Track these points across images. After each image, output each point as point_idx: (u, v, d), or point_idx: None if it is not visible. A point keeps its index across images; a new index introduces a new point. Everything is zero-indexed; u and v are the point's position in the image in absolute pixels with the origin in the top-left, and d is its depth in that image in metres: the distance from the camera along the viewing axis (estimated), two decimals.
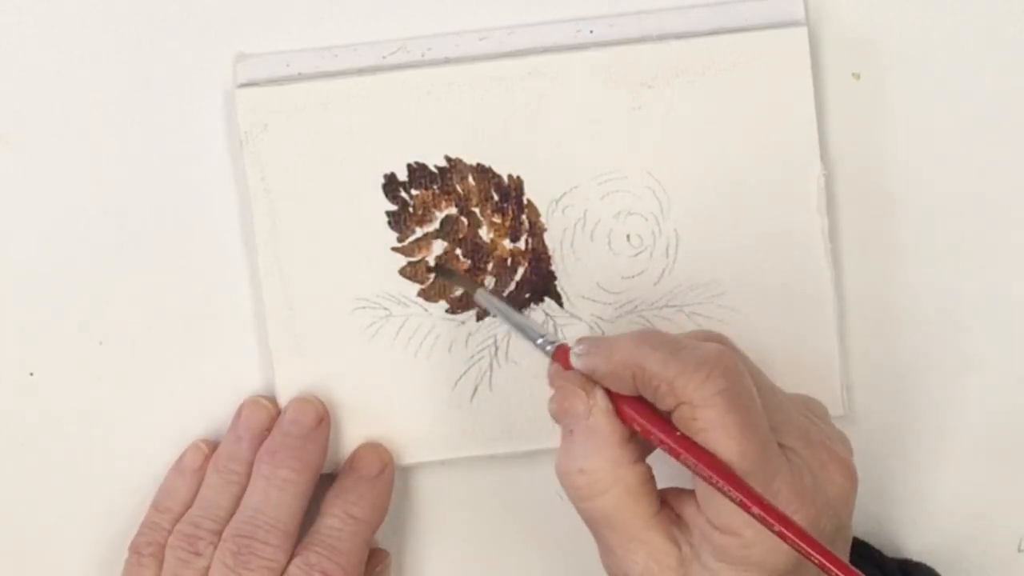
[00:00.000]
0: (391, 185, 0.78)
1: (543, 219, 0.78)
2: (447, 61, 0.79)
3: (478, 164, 0.78)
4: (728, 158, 0.78)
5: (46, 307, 0.80)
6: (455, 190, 0.78)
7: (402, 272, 0.79)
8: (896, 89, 0.79)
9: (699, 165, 0.78)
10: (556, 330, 0.79)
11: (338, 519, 0.77)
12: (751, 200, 0.78)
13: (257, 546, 0.75)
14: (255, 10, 0.79)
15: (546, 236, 0.79)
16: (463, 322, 0.79)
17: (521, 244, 0.79)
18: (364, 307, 0.79)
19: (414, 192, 0.78)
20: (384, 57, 0.79)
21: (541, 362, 0.79)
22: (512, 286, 0.79)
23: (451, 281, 0.78)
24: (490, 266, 0.79)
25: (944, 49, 0.79)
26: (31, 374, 0.80)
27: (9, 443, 0.80)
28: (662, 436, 0.68)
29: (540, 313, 0.79)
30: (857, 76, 0.79)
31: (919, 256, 0.80)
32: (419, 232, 0.79)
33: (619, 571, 0.70)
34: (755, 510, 0.65)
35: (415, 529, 0.81)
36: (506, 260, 0.79)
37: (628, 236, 0.78)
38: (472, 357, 0.79)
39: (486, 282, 0.79)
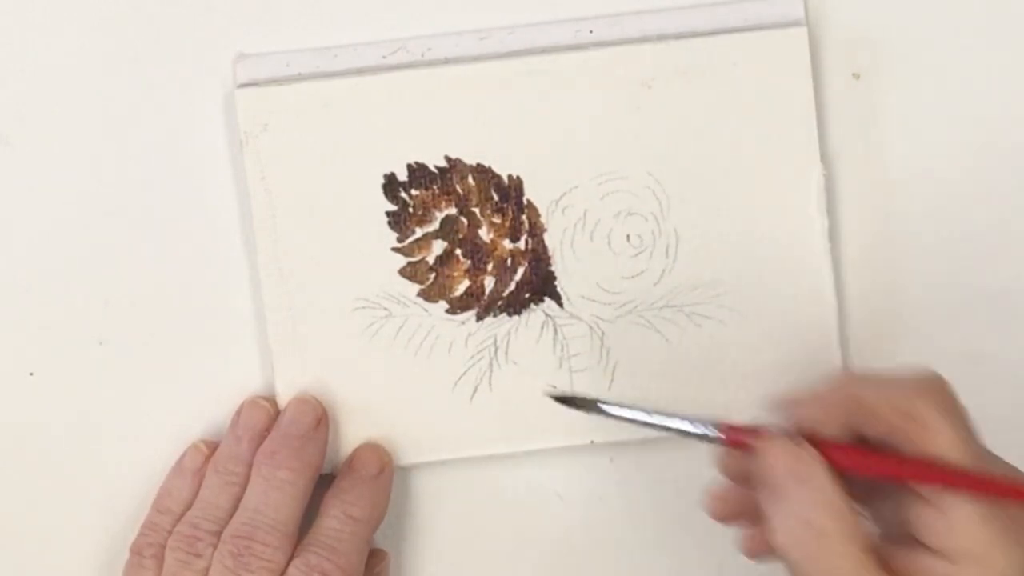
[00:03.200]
0: (391, 185, 0.78)
1: (543, 219, 0.78)
2: (447, 61, 0.79)
3: (478, 164, 0.78)
4: (728, 158, 0.78)
5: (46, 307, 0.80)
6: (455, 190, 0.78)
7: (402, 272, 0.79)
8: (896, 89, 0.79)
9: (699, 165, 0.78)
10: (557, 330, 0.79)
11: (337, 519, 0.77)
12: (751, 200, 0.78)
13: (256, 547, 0.75)
14: (255, 10, 0.79)
15: (546, 236, 0.79)
16: (463, 322, 0.79)
17: (521, 244, 0.79)
18: (364, 307, 0.79)
19: (414, 192, 0.78)
20: (384, 57, 0.79)
21: (541, 362, 0.79)
22: (512, 286, 0.79)
23: (571, 407, 0.74)
24: (490, 266, 0.79)
25: (944, 49, 0.79)
26: (31, 374, 0.80)
27: (9, 443, 0.80)
28: (894, 465, 0.67)
29: (540, 313, 0.79)
30: (857, 76, 0.79)
31: (919, 256, 0.80)
32: (419, 232, 0.79)
33: None
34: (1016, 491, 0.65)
35: (415, 529, 0.81)
36: (506, 260, 0.79)
37: (628, 236, 0.78)
38: (472, 357, 0.79)
39: (486, 282, 0.79)
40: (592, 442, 0.79)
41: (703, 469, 0.77)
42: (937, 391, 0.68)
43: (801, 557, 0.67)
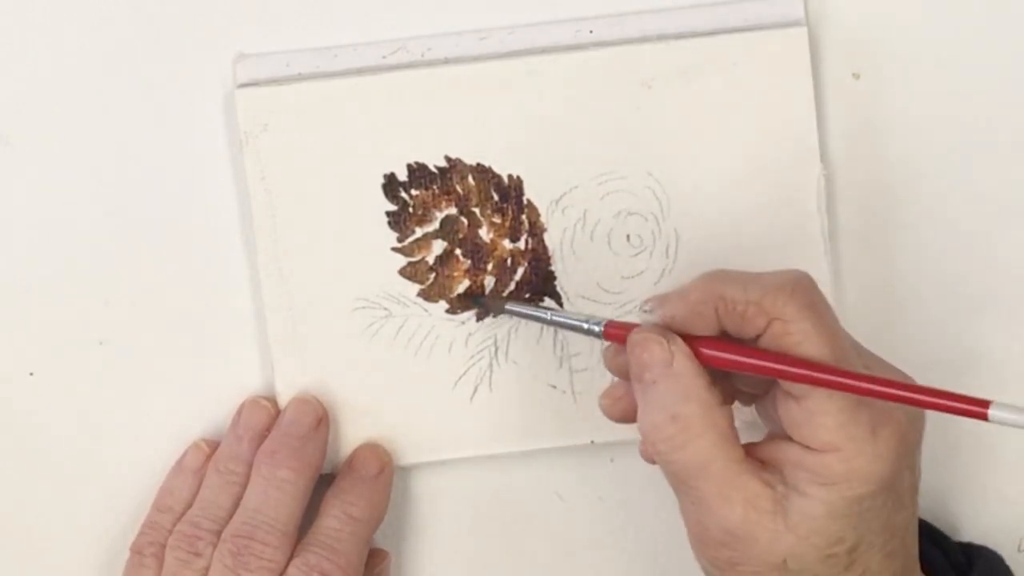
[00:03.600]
0: (391, 185, 0.78)
1: (543, 219, 0.78)
2: (447, 61, 0.79)
3: (478, 164, 0.78)
4: (728, 158, 0.78)
5: (46, 307, 0.80)
6: (455, 190, 0.78)
7: (402, 272, 0.79)
8: (896, 89, 0.79)
9: (699, 165, 0.78)
10: (557, 330, 0.79)
11: (337, 519, 0.77)
12: (751, 200, 0.78)
13: (256, 546, 0.75)
14: (255, 10, 0.79)
15: (546, 236, 0.79)
16: (463, 322, 0.79)
17: (521, 244, 0.79)
18: (364, 307, 0.79)
19: (414, 192, 0.78)
20: (384, 57, 0.79)
21: (541, 362, 0.79)
22: (512, 286, 0.79)
23: (479, 307, 0.78)
24: (490, 266, 0.79)
25: (944, 49, 0.79)
26: (31, 374, 0.80)
27: (9, 443, 0.80)
28: (756, 359, 0.68)
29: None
30: (857, 76, 0.79)
31: (919, 256, 0.80)
32: (419, 232, 0.79)
33: (714, 524, 0.69)
34: (873, 388, 0.66)
35: (415, 529, 0.81)
36: (506, 260, 0.79)
37: (628, 236, 0.78)
38: (472, 357, 0.79)
39: (486, 282, 0.79)
40: (592, 442, 0.79)
41: None
42: (799, 288, 0.68)
43: (662, 444, 0.69)
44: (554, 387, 0.79)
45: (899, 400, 0.66)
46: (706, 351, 0.69)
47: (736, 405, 0.72)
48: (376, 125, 0.78)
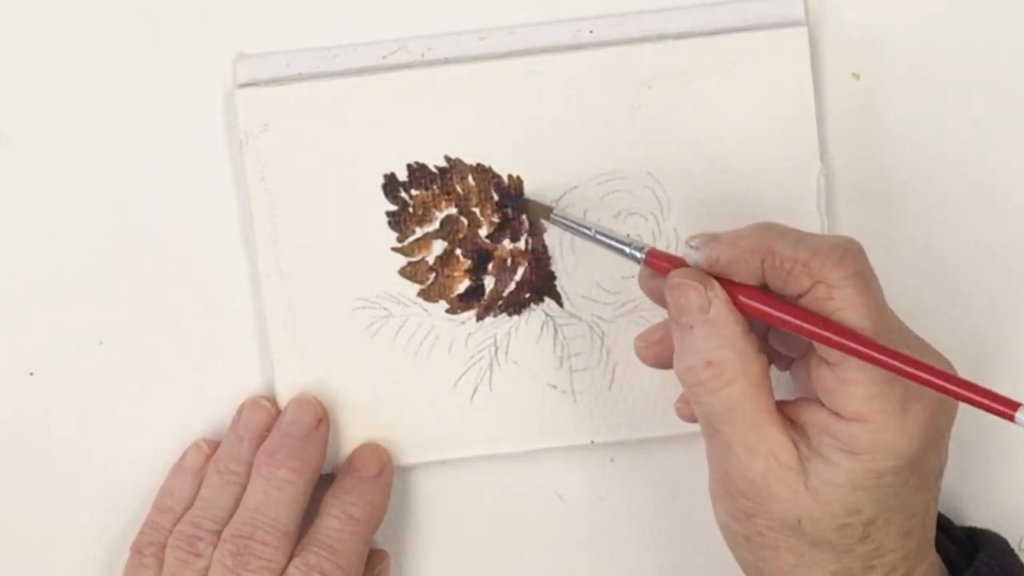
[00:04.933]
0: (391, 185, 0.78)
1: (543, 219, 0.78)
2: (447, 61, 0.79)
3: (478, 164, 0.78)
4: (728, 158, 0.78)
5: (46, 307, 0.80)
6: (455, 190, 0.78)
7: (402, 272, 0.79)
8: (896, 89, 0.79)
9: (699, 165, 0.78)
10: (557, 330, 0.79)
11: (337, 519, 0.77)
12: (751, 200, 0.78)
13: (256, 546, 0.75)
14: (255, 10, 0.79)
15: (546, 236, 0.79)
16: (463, 322, 0.79)
17: (521, 244, 0.79)
18: (364, 307, 0.79)
19: (414, 192, 0.78)
20: (384, 57, 0.79)
21: (541, 362, 0.79)
22: (512, 286, 0.79)
23: (518, 207, 0.78)
24: (490, 266, 0.79)
25: (944, 49, 0.79)
26: (31, 374, 0.80)
27: (9, 443, 0.80)
28: (795, 317, 0.68)
29: (540, 313, 0.79)
30: (857, 76, 0.79)
31: (919, 256, 0.80)
32: (419, 232, 0.79)
33: (736, 473, 0.70)
34: (905, 368, 0.66)
35: (415, 529, 0.81)
36: (506, 260, 0.79)
37: (628, 236, 0.78)
38: (472, 357, 0.79)
39: (486, 282, 0.79)
40: (592, 442, 0.79)
41: (703, 469, 0.77)
42: (848, 255, 0.68)
43: (696, 387, 0.70)
44: (554, 387, 0.79)
45: (927, 384, 0.66)
46: (745, 300, 0.69)
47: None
48: (376, 125, 0.78)
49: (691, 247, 0.71)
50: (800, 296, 0.69)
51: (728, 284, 0.70)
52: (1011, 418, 0.64)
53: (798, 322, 0.68)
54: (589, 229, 0.75)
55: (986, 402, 0.65)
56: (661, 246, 0.78)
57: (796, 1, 0.78)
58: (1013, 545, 0.80)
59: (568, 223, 0.76)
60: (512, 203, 0.78)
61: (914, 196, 0.79)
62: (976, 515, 0.81)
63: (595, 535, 0.81)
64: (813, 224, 0.78)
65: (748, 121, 0.78)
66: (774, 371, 0.73)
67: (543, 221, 0.78)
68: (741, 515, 0.71)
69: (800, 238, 0.69)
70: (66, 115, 0.79)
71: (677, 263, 0.72)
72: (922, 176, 0.79)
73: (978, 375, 0.79)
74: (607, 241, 0.74)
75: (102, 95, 0.79)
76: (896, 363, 0.66)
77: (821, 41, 0.79)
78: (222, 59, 0.79)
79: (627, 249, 0.73)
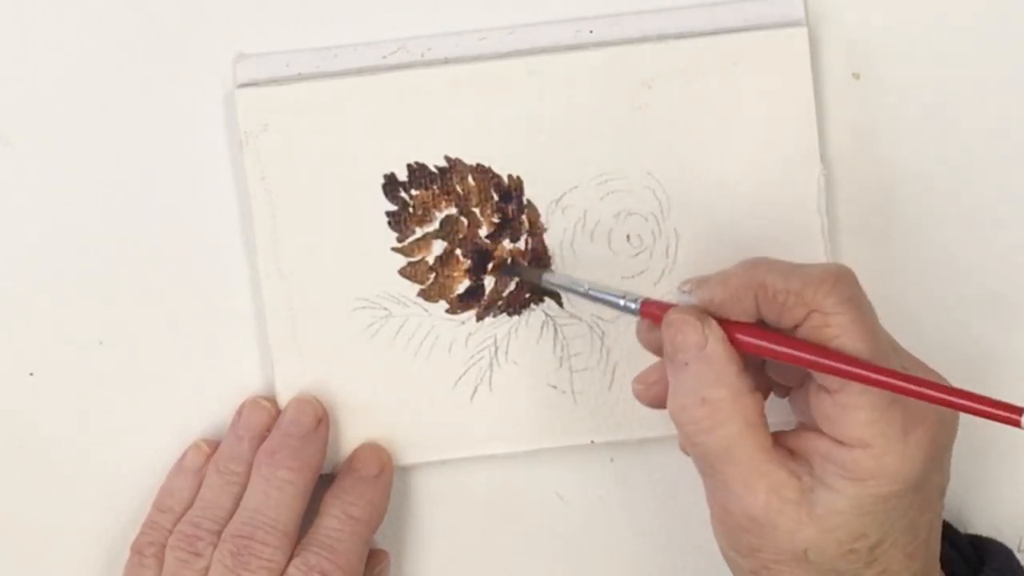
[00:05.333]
0: (391, 185, 0.78)
1: (543, 219, 0.78)
2: (447, 61, 0.79)
3: (478, 164, 0.78)
4: (728, 158, 0.78)
5: (46, 307, 0.80)
6: (455, 190, 0.78)
7: (402, 272, 0.79)
8: (896, 89, 0.79)
9: (699, 165, 0.78)
10: (557, 330, 0.79)
11: (337, 519, 0.77)
12: (751, 200, 0.78)
13: (256, 546, 0.75)
14: (255, 10, 0.79)
15: (546, 236, 0.79)
16: (463, 322, 0.79)
17: (521, 244, 0.79)
18: (364, 307, 0.79)
19: (414, 192, 0.78)
20: (384, 57, 0.79)
21: (541, 362, 0.79)
22: (512, 286, 0.79)
23: (515, 275, 0.78)
24: (490, 266, 0.79)
25: (944, 49, 0.79)
26: (31, 374, 0.80)
27: (9, 443, 0.80)
28: (791, 349, 0.68)
29: (540, 313, 0.79)
30: (857, 76, 0.79)
31: (919, 256, 0.80)
32: (419, 232, 0.79)
33: (737, 509, 0.69)
34: (908, 386, 0.66)
35: (415, 529, 0.81)
36: (506, 260, 0.79)
37: (628, 236, 0.78)
38: (472, 357, 0.79)
39: (486, 282, 0.79)
40: (592, 442, 0.79)
41: None
42: (840, 282, 0.68)
43: (690, 426, 0.69)
44: (554, 387, 0.79)
45: (931, 400, 0.66)
46: (742, 337, 0.69)
47: (770, 397, 0.72)
48: (376, 125, 0.78)
49: (683, 292, 0.71)
50: (796, 327, 0.69)
51: (724, 323, 0.70)
52: (1016, 423, 0.64)
53: (797, 353, 0.68)
54: (582, 287, 0.75)
55: (989, 410, 0.65)
56: (661, 246, 0.78)
57: (796, 1, 0.78)
58: (1013, 547, 0.80)
59: (559, 285, 0.77)
60: (506, 273, 0.78)
61: (914, 196, 0.79)
62: (979, 522, 0.81)
63: (595, 535, 0.81)
64: (813, 224, 0.78)
65: (748, 121, 0.78)
66: (772, 397, 0.73)
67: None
68: (745, 550, 0.70)
69: (790, 269, 0.69)
70: (66, 115, 0.79)
71: (669, 307, 0.71)
72: (922, 176, 0.79)
73: (979, 373, 0.80)
74: (600, 296, 0.75)
75: (102, 95, 0.79)
76: (898, 383, 0.66)
77: (821, 41, 0.79)
78: (222, 59, 0.79)
79: (621, 302, 0.73)
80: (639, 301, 0.73)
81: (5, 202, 0.80)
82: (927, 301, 0.80)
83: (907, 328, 0.79)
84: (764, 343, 0.69)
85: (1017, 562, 0.78)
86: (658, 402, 0.72)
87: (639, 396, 0.73)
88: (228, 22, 0.79)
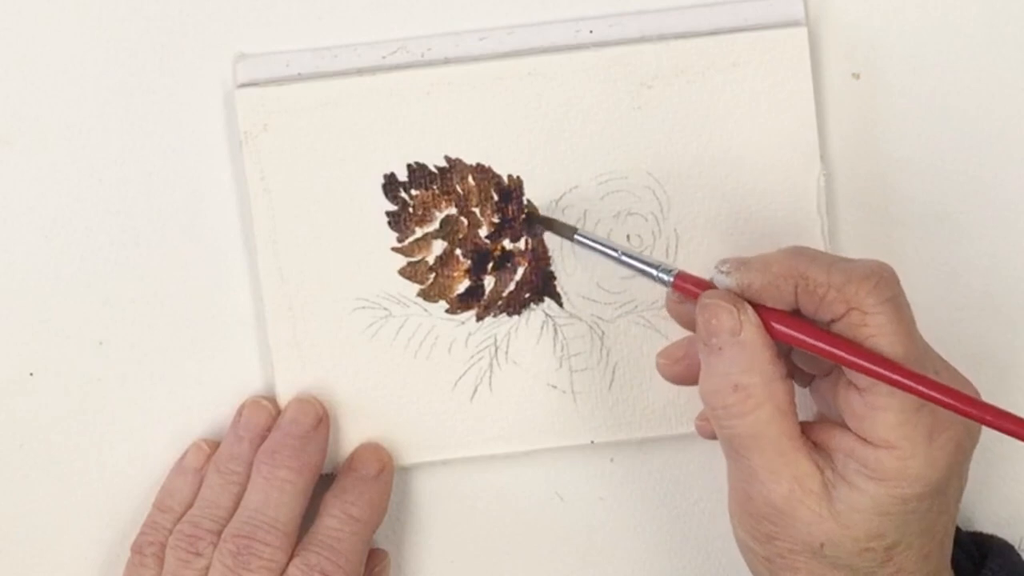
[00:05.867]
0: (391, 185, 0.78)
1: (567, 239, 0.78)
2: (447, 61, 0.79)
3: (478, 164, 0.78)
4: (728, 158, 0.78)
5: (46, 307, 0.80)
6: (455, 190, 0.78)
7: (402, 272, 0.79)
8: (896, 89, 0.79)
9: (699, 165, 0.78)
10: (557, 330, 0.79)
11: (337, 519, 0.77)
12: (751, 200, 0.78)
13: (256, 546, 0.75)
14: (255, 10, 0.79)
15: (546, 236, 0.79)
16: (463, 322, 0.79)
17: (521, 244, 0.79)
18: (364, 307, 0.79)
19: (414, 192, 0.78)
20: (384, 57, 0.79)
21: (541, 362, 0.79)
22: (512, 286, 0.79)
23: (544, 225, 0.78)
24: (490, 266, 0.79)
25: (944, 49, 0.79)
26: (31, 374, 0.80)
27: (9, 443, 0.80)
28: (825, 343, 0.68)
29: (540, 313, 0.79)
30: (857, 76, 0.79)
31: (919, 256, 0.80)
32: (419, 232, 0.79)
33: (759, 496, 0.69)
34: (937, 396, 0.66)
35: (415, 529, 0.81)
36: (506, 260, 0.79)
37: (628, 236, 0.78)
38: (472, 357, 0.79)
39: (486, 282, 0.79)
40: (592, 442, 0.79)
41: (703, 469, 0.77)
42: (883, 281, 0.68)
43: (721, 410, 0.69)
44: (554, 387, 0.79)
45: (960, 412, 0.66)
46: (778, 326, 0.69)
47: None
48: (376, 125, 0.78)
49: (722, 272, 0.70)
50: (833, 321, 0.68)
51: (760, 308, 0.69)
52: None
53: (831, 349, 0.68)
54: (616, 251, 0.74)
55: (1015, 428, 0.65)
56: (661, 246, 0.78)
57: (796, 1, 0.78)
58: (1014, 545, 0.80)
59: (593, 244, 0.76)
60: (539, 223, 0.78)
61: (914, 196, 0.79)
62: (981, 519, 0.81)
63: (595, 535, 0.81)
64: (813, 224, 0.78)
65: (748, 121, 0.78)
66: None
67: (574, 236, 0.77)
68: (762, 537, 0.70)
69: (833, 263, 0.69)
70: (66, 115, 0.79)
71: (706, 287, 0.71)
72: (922, 176, 0.79)
73: (980, 373, 0.80)
74: (634, 263, 0.74)
75: (102, 95, 0.79)
76: (927, 390, 0.66)
77: (821, 41, 0.79)
78: (222, 59, 0.79)
79: (655, 272, 0.73)
80: (674, 273, 0.72)
81: (5, 202, 0.80)
82: (927, 301, 0.80)
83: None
84: (799, 334, 0.69)
85: (1019, 558, 0.78)
86: (680, 379, 0.73)
87: (661, 370, 0.73)
88: (228, 22, 0.79)
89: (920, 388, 0.66)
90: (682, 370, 0.72)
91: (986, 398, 0.78)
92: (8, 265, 0.80)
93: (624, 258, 0.74)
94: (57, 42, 0.79)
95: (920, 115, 0.79)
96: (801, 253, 0.70)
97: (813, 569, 0.70)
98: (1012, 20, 0.79)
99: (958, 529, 0.79)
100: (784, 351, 0.71)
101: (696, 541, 0.81)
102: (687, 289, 0.71)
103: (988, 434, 0.79)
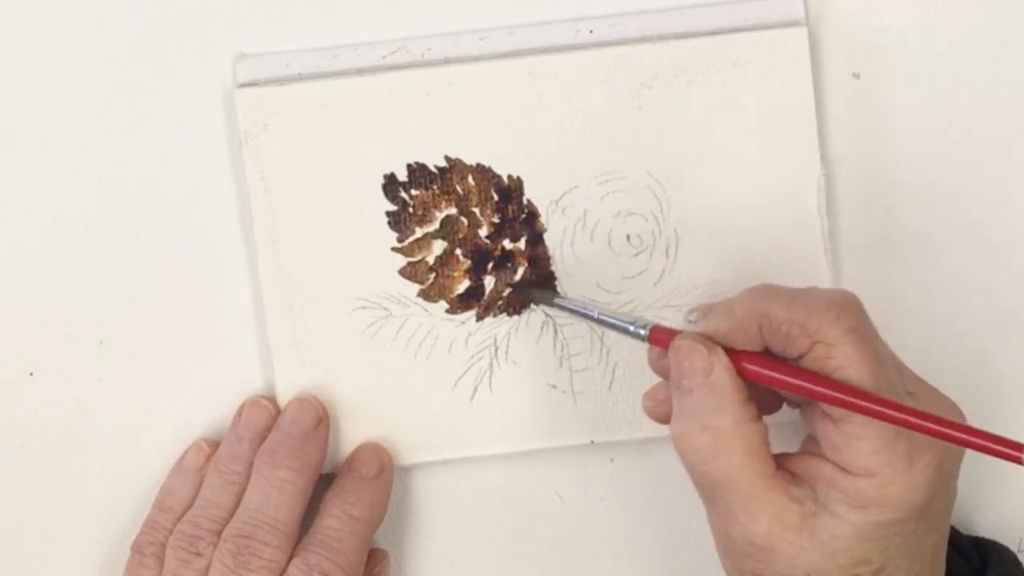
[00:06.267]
0: (391, 185, 0.78)
1: (543, 219, 0.78)
2: (447, 61, 0.79)
3: (478, 164, 0.78)
4: (728, 158, 0.78)
5: (46, 307, 0.80)
6: (455, 190, 0.78)
7: (402, 272, 0.79)
8: (896, 89, 0.79)
9: (699, 165, 0.78)
10: (557, 330, 0.79)
11: (337, 519, 0.77)
12: (751, 200, 0.78)
13: (256, 546, 0.75)
14: (255, 10, 0.79)
15: (546, 236, 0.79)
16: (463, 322, 0.79)
17: (521, 244, 0.79)
18: (364, 307, 0.79)
19: (414, 192, 0.78)
20: (384, 57, 0.79)
21: (541, 362, 0.79)
22: (512, 286, 0.79)
23: (529, 298, 0.78)
24: (490, 266, 0.79)
25: (944, 49, 0.79)
26: (31, 374, 0.80)
27: (9, 443, 0.80)
28: (797, 379, 0.68)
29: (540, 313, 0.79)
30: (857, 76, 0.79)
31: (919, 256, 0.80)
32: (419, 232, 0.79)
33: (739, 536, 0.69)
34: (912, 420, 0.66)
35: (415, 529, 0.81)
36: (506, 260, 0.79)
37: (628, 236, 0.78)
38: (472, 357, 0.79)
39: (486, 281, 0.79)
40: (592, 442, 0.79)
41: None
42: (844, 312, 0.68)
43: (690, 454, 0.69)
44: (554, 387, 0.79)
45: (933, 434, 0.66)
46: (748, 366, 0.69)
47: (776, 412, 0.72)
48: (376, 125, 0.78)
49: (689, 321, 0.70)
50: (801, 356, 0.68)
51: (730, 351, 0.69)
52: (1018, 460, 0.64)
53: (801, 383, 0.68)
54: (593, 312, 0.75)
55: (990, 445, 0.65)
56: (661, 246, 0.78)
57: (796, 1, 0.78)
58: (1013, 548, 0.80)
59: (571, 308, 0.77)
60: (519, 293, 0.78)
61: (914, 196, 0.79)
62: (982, 524, 0.81)
63: (595, 535, 0.81)
64: (813, 224, 0.78)
65: (748, 121, 0.78)
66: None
67: None
68: (749, 574, 0.70)
69: (793, 298, 0.69)
70: (66, 115, 0.79)
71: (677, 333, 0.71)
72: (922, 175, 0.79)
73: (980, 374, 0.80)
74: (611, 322, 0.74)
75: (102, 95, 0.79)
76: (900, 415, 0.66)
77: (821, 41, 0.79)
78: (222, 59, 0.79)
79: (631, 328, 0.73)
80: (649, 328, 0.72)
81: (5, 202, 0.80)
82: (927, 301, 0.80)
83: (907, 327, 0.79)
84: (769, 372, 0.69)
85: (1020, 564, 0.78)
86: (666, 419, 0.72)
87: (648, 413, 0.73)
88: (228, 22, 0.79)
89: (892, 414, 0.66)
90: (668, 409, 0.72)
91: (988, 403, 0.78)
92: (8, 265, 0.80)
93: (601, 317, 0.75)
94: (57, 42, 0.79)
95: (920, 115, 0.79)
96: (763, 292, 0.70)
97: None
98: (1012, 20, 0.79)
99: (959, 534, 0.79)
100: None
101: (696, 541, 0.81)
102: (662, 340, 0.71)
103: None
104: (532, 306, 0.79)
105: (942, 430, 0.66)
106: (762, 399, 0.70)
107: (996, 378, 0.80)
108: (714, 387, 0.69)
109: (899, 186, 0.79)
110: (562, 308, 0.77)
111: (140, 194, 0.79)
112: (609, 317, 0.74)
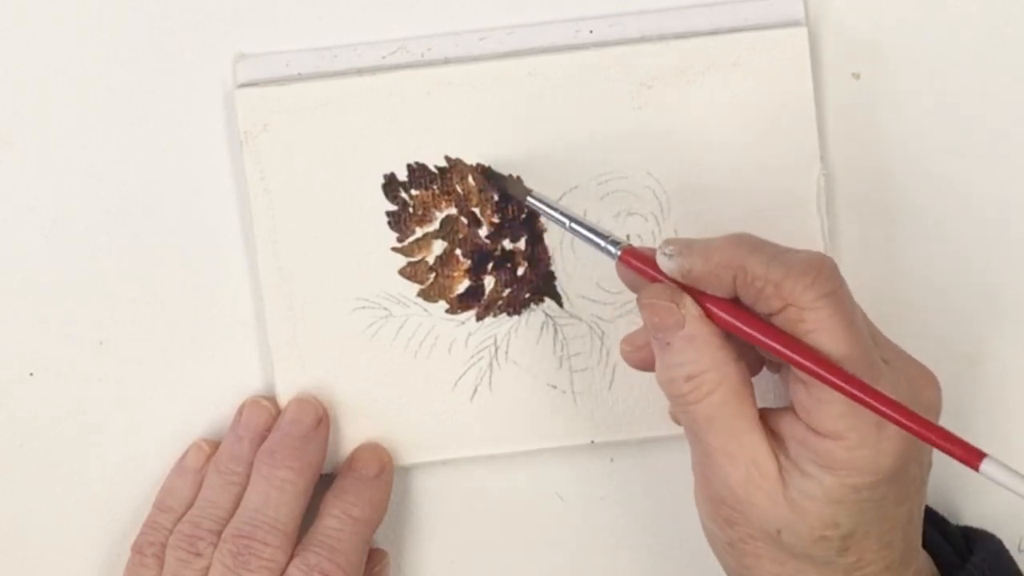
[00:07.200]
0: (391, 185, 0.78)
1: (543, 219, 0.78)
2: (447, 61, 0.79)
3: (478, 164, 0.78)
4: (728, 158, 0.78)
5: (46, 307, 0.80)
6: (455, 190, 0.78)
7: (402, 272, 0.79)
8: (896, 89, 0.79)
9: (699, 165, 0.78)
10: (557, 330, 0.79)
11: (337, 519, 0.77)
12: (751, 200, 0.78)
13: (256, 546, 0.75)
14: (255, 10, 0.79)
15: (546, 236, 0.79)
16: (463, 322, 0.79)
17: (521, 244, 0.79)
18: (364, 307, 0.79)
19: (414, 192, 0.78)
20: (384, 57, 0.79)
21: (541, 362, 0.79)
22: (512, 286, 0.79)
23: (498, 184, 0.78)
24: (490, 266, 0.79)
25: (944, 49, 0.79)
26: (31, 374, 0.80)
27: (9, 443, 0.80)
28: (766, 337, 0.68)
29: (540, 313, 0.79)
30: (857, 76, 0.79)
31: (919, 256, 0.80)
32: (419, 232, 0.79)
33: (718, 480, 0.70)
34: (869, 400, 0.66)
35: (415, 529, 0.81)
36: (506, 260, 0.79)
37: (628, 236, 0.78)
38: (472, 357, 0.79)
39: (486, 281, 0.79)
40: (592, 442, 0.79)
41: None
42: (821, 276, 0.68)
43: (677, 399, 0.70)
44: (554, 387, 0.79)
45: (893, 422, 0.66)
46: (716, 312, 0.69)
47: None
48: (376, 125, 0.78)
49: (665, 253, 0.70)
50: (772, 315, 0.68)
51: (701, 295, 0.70)
52: (975, 467, 0.64)
53: (768, 341, 0.68)
54: (565, 221, 0.75)
55: (948, 446, 0.65)
56: None
57: (796, 1, 0.78)
58: (1013, 545, 0.80)
59: (543, 208, 0.76)
60: (494, 180, 0.78)
61: (914, 196, 0.79)
62: (972, 514, 0.81)
63: (595, 535, 0.81)
64: (813, 224, 0.78)
65: (748, 121, 0.78)
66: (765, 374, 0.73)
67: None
68: (723, 522, 0.71)
69: (774, 255, 0.68)
70: (66, 115, 0.79)
71: (651, 264, 0.71)
72: (922, 176, 0.79)
73: (979, 373, 0.80)
74: (582, 232, 0.74)
75: (102, 95, 0.79)
76: (860, 395, 0.66)
77: (821, 41, 0.79)
78: (222, 59, 0.79)
79: (602, 243, 0.73)
80: (621, 247, 0.72)
81: (5, 202, 0.80)
82: (927, 300, 0.80)
83: (907, 325, 0.79)
84: (739, 324, 0.69)
85: (1006, 551, 0.78)
86: (643, 365, 0.73)
87: (624, 356, 0.73)
88: (228, 22, 0.79)
89: (851, 390, 0.66)
90: (645, 356, 0.72)
91: (987, 397, 0.78)
92: (8, 265, 0.80)
93: (573, 226, 0.74)
94: (57, 42, 0.79)
95: (920, 115, 0.79)
96: (743, 242, 0.69)
97: (774, 556, 0.70)
98: (1012, 20, 0.79)
99: (947, 523, 0.79)
100: (748, 344, 0.71)
101: (695, 541, 0.80)
102: (633, 266, 0.72)
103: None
104: (532, 306, 0.79)
105: (902, 421, 0.66)
106: (744, 357, 0.71)
107: (996, 378, 0.80)
108: (690, 339, 0.69)
109: (899, 186, 0.79)
110: (533, 206, 0.76)
111: (140, 194, 0.79)
112: (581, 226, 0.74)
